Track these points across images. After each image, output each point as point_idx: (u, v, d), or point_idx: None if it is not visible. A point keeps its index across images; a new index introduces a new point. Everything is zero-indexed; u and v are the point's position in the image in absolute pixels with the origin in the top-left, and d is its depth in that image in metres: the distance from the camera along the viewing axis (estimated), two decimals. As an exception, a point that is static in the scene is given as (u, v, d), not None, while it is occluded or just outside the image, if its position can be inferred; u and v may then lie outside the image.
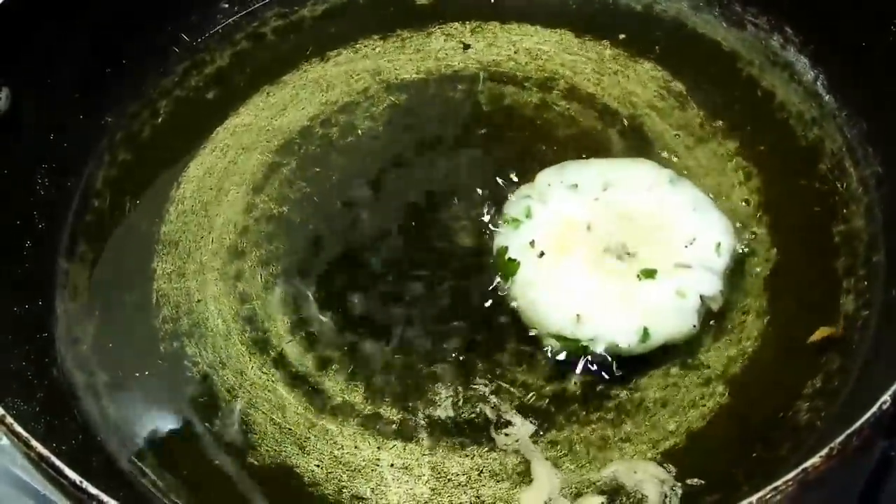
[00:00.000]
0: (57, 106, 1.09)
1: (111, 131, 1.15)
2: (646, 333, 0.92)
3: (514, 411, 0.93)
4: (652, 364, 0.94)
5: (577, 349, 0.93)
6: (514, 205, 1.02)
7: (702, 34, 1.17)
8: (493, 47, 1.18)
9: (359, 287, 1.01)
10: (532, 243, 0.98)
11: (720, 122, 1.09)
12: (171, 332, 1.00)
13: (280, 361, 0.98)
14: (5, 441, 0.87)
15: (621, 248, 0.97)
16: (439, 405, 0.94)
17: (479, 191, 1.06)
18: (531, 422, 0.92)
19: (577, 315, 0.93)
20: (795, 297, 0.97)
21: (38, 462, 0.79)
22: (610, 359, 0.93)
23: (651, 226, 0.98)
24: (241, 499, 0.90)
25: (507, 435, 0.92)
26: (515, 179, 1.05)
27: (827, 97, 1.09)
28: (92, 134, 1.13)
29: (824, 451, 0.74)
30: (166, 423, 0.95)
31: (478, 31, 1.20)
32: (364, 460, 0.92)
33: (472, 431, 0.92)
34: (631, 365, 0.94)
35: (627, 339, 0.93)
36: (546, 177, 1.03)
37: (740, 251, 0.99)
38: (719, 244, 0.97)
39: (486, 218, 1.04)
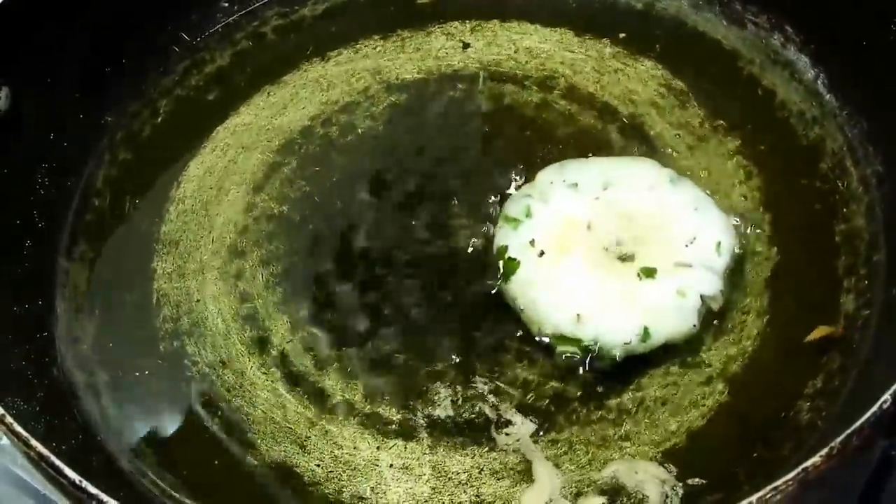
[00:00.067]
0: (57, 106, 1.09)
1: (111, 131, 1.15)
2: (646, 333, 0.92)
3: (515, 410, 0.93)
4: (652, 363, 0.94)
5: (577, 348, 0.93)
6: (514, 204, 1.02)
7: (702, 33, 1.17)
8: (493, 46, 1.18)
9: (359, 286, 1.01)
10: (532, 242, 0.98)
11: (721, 121, 1.09)
12: (171, 331, 1.00)
13: (280, 361, 0.98)
14: (6, 441, 0.87)
15: (622, 248, 0.97)
16: (439, 404, 0.94)
17: (479, 190, 1.06)
18: (531, 420, 0.92)
19: (578, 314, 0.93)
20: (796, 296, 0.97)
21: (38, 462, 0.79)
22: (610, 358, 0.93)
23: (651, 225, 0.98)
24: (240, 499, 0.91)
25: (507, 434, 0.92)
26: (515, 178, 1.05)
27: (828, 96, 1.09)
28: (92, 133, 1.13)
29: (825, 451, 0.74)
30: (166, 423, 0.95)
31: (478, 31, 1.20)
32: (364, 460, 0.92)
33: (472, 431, 0.92)
34: (631, 364, 0.94)
35: (628, 339, 0.92)
36: (546, 176, 1.03)
37: (741, 250, 0.99)
38: (720, 243, 0.97)
39: (486, 217, 1.03)
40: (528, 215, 1.00)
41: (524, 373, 0.95)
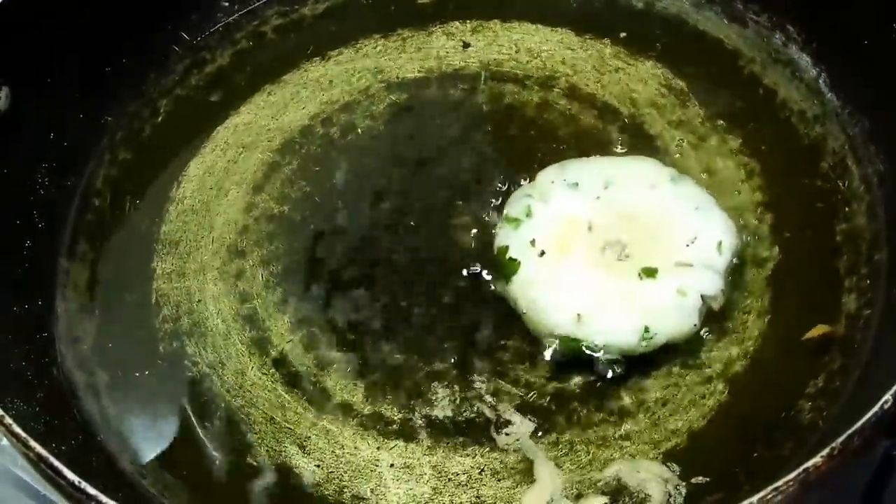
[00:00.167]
0: (57, 105, 1.09)
1: (111, 131, 1.14)
2: (647, 332, 0.92)
3: (515, 410, 0.93)
4: (653, 363, 0.94)
5: (577, 348, 0.93)
6: (515, 204, 1.01)
7: (703, 32, 1.17)
8: (493, 46, 1.18)
9: (359, 286, 1.01)
10: (533, 242, 0.97)
11: (721, 121, 1.09)
12: (171, 331, 1.00)
13: (280, 361, 0.98)
14: (5, 441, 0.87)
15: (622, 247, 0.97)
16: (439, 404, 0.94)
17: (480, 190, 1.05)
18: (531, 420, 0.92)
19: (578, 314, 0.93)
20: (797, 295, 0.97)
21: (38, 462, 0.79)
22: (611, 358, 0.93)
23: (652, 224, 0.98)
24: (241, 499, 0.90)
25: (507, 434, 0.92)
26: (516, 178, 1.05)
27: (829, 95, 1.09)
28: (92, 133, 1.13)
29: (826, 451, 0.74)
30: (166, 423, 0.95)
31: (479, 30, 1.20)
32: (364, 460, 0.92)
33: (472, 431, 0.92)
34: (632, 364, 0.93)
35: (628, 339, 0.92)
36: (547, 175, 1.02)
37: (742, 250, 0.99)
38: (721, 243, 0.96)
39: (487, 217, 1.03)
40: (529, 215, 0.99)
41: (524, 373, 0.94)
